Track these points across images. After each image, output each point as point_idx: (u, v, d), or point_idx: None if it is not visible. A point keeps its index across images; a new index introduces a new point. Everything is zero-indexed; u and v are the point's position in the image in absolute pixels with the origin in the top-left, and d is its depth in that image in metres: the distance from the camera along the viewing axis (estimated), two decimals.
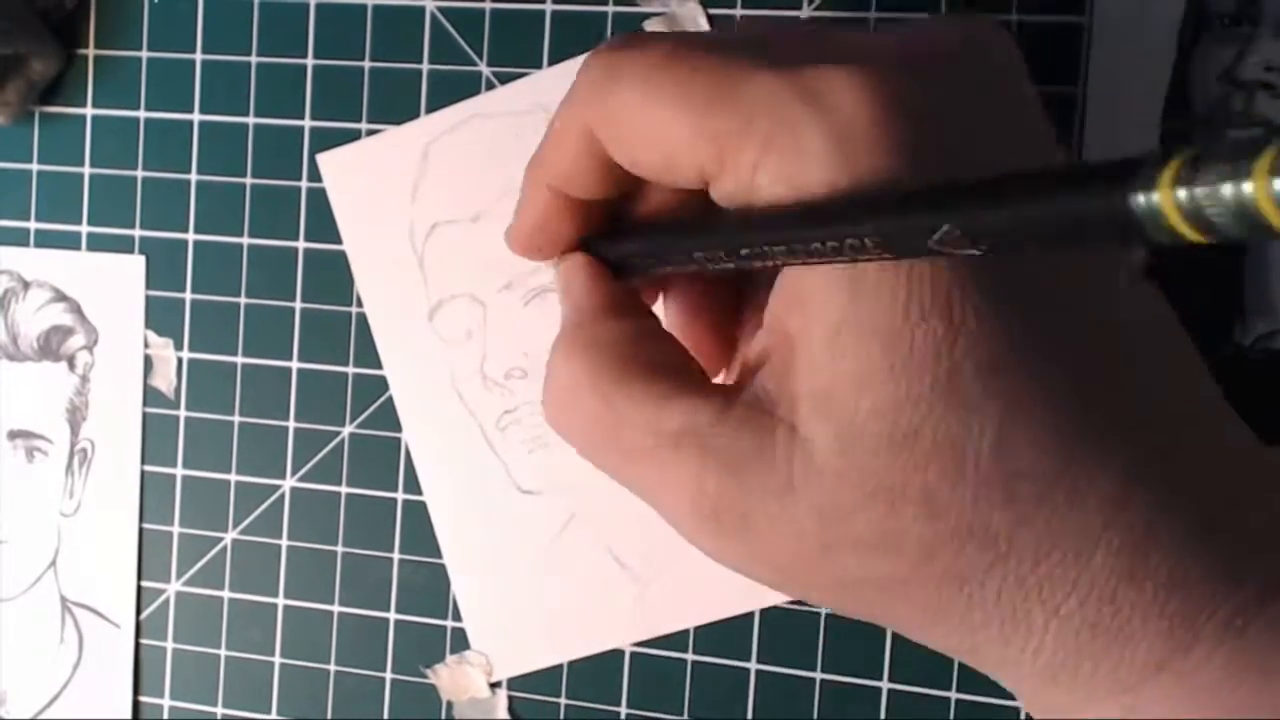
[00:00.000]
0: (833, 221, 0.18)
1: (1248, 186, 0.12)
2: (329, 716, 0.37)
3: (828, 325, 0.18)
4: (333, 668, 0.37)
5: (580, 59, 0.35)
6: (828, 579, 0.19)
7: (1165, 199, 0.12)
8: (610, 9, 0.34)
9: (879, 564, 0.18)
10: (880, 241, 0.17)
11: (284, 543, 0.37)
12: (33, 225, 0.38)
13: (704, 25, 0.33)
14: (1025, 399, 0.17)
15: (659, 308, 0.26)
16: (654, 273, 0.25)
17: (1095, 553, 0.17)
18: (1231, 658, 0.17)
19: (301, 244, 0.36)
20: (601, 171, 0.23)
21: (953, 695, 0.32)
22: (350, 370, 0.36)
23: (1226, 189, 0.12)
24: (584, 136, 0.22)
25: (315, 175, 0.36)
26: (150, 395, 0.37)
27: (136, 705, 0.38)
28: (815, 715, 0.33)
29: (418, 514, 0.36)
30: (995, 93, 0.20)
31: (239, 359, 0.37)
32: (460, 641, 0.36)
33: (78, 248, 0.38)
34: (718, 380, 0.25)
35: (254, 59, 0.36)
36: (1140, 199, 0.13)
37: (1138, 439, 0.18)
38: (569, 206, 0.24)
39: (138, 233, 0.37)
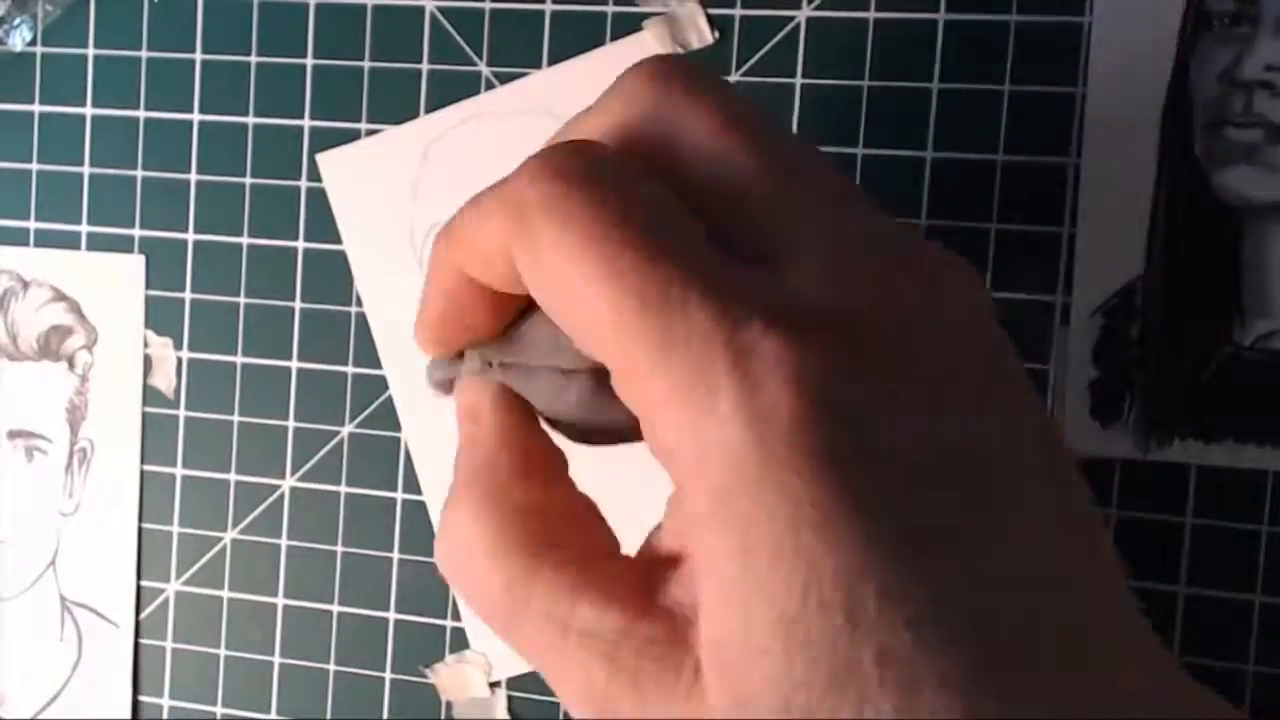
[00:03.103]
0: None
1: None
2: (329, 716, 0.37)
3: (720, 582, 0.18)
4: (332, 668, 0.37)
5: (580, 59, 0.35)
6: None
7: None
8: (610, 9, 0.34)
9: None
10: None
11: (284, 542, 0.37)
12: (32, 225, 0.38)
13: (704, 25, 0.33)
14: (925, 685, 0.17)
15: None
16: None
17: None
18: None
19: (301, 244, 0.36)
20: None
21: None
22: (350, 370, 0.36)
23: None
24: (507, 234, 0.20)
25: (315, 175, 0.36)
26: (150, 395, 0.37)
27: (136, 705, 0.38)
28: None
29: (417, 513, 0.36)
30: (956, 369, 0.19)
31: (239, 358, 0.37)
32: (460, 641, 0.36)
33: (77, 247, 0.38)
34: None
35: (254, 58, 0.36)
36: None
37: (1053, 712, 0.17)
38: (488, 297, 0.22)
39: (137, 232, 0.37)
